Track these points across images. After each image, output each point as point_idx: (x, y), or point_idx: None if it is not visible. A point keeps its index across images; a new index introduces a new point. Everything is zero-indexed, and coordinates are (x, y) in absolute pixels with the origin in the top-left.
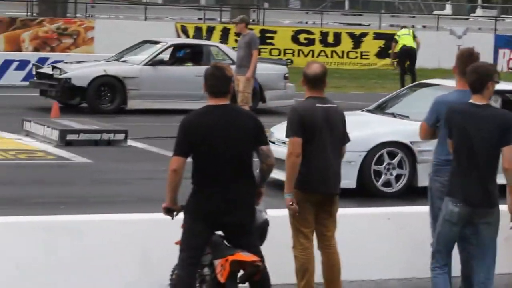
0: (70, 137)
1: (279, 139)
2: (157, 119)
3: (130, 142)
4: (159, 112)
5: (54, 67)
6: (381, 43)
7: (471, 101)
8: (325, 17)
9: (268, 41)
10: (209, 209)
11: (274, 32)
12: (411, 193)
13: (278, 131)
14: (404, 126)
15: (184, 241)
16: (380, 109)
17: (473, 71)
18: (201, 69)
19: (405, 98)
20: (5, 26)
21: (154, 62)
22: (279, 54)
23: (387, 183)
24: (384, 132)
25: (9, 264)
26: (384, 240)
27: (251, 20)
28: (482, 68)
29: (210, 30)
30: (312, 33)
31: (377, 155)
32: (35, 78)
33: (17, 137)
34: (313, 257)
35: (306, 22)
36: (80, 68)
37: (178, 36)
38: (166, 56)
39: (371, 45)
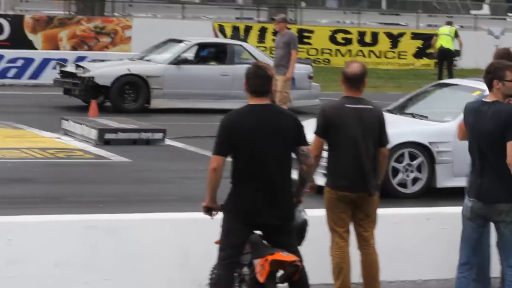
0: (108, 136)
1: None
2: (195, 118)
3: (168, 141)
4: (196, 112)
5: (77, 66)
6: (418, 43)
7: (483, 99)
8: (363, 16)
9: (306, 40)
10: (248, 209)
11: (312, 31)
12: (430, 194)
13: None
14: (422, 127)
15: (223, 240)
16: (399, 109)
17: (485, 69)
18: (226, 68)
19: (424, 98)
20: (43, 24)
21: (178, 61)
22: (317, 54)
23: (403, 184)
24: (402, 133)
25: (48, 262)
26: (424, 240)
27: (289, 20)
28: (490, 66)
29: (248, 29)
30: (349, 33)
31: (396, 155)
32: (59, 77)
33: (56, 136)
34: (348, 256)
35: (344, 22)
36: (104, 67)
37: (216, 36)
38: (190, 55)
39: (408, 45)
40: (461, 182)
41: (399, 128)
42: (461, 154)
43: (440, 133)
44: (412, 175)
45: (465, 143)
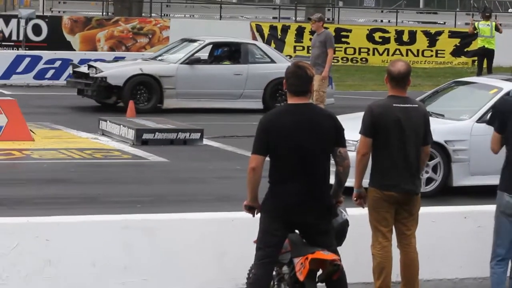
0: (146, 136)
1: None
2: (232, 118)
3: (206, 141)
4: (233, 112)
5: (90, 66)
6: (456, 41)
7: None
8: (400, 15)
9: (343, 39)
10: (285, 208)
11: (349, 30)
12: (446, 193)
13: None
14: (438, 125)
15: (260, 240)
16: None
17: None
18: (239, 68)
19: (441, 96)
20: (81, 25)
21: (191, 61)
22: (354, 53)
23: None
24: None
25: (86, 262)
26: (461, 239)
27: (325, 19)
28: None
29: (285, 29)
30: (387, 32)
31: None
32: (72, 77)
33: (93, 137)
34: (391, 256)
35: (381, 21)
36: (116, 67)
37: (253, 36)
38: (205, 54)
39: (446, 43)
40: (478, 180)
41: None
42: (478, 153)
43: (456, 131)
44: (426, 175)
45: (483, 142)
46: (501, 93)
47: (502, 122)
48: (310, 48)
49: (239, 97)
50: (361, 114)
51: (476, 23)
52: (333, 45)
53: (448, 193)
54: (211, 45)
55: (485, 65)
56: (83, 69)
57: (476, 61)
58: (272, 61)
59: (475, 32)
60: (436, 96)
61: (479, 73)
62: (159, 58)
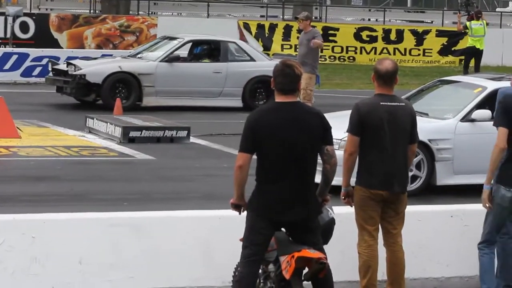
0: (133, 134)
1: None
2: (219, 116)
3: (192, 139)
4: (219, 110)
5: (68, 64)
6: (444, 40)
7: None
8: (388, 14)
9: (331, 38)
10: (272, 207)
11: (337, 29)
12: (430, 192)
13: None
14: (422, 124)
15: (246, 238)
16: None
17: None
18: (218, 66)
19: (426, 95)
20: (68, 23)
21: (170, 59)
22: (341, 52)
23: None
24: None
25: (72, 260)
26: (447, 237)
27: (313, 17)
28: None
29: (273, 27)
30: (374, 30)
31: None
32: (51, 75)
33: (80, 134)
34: (377, 254)
35: (369, 19)
36: (95, 64)
37: (241, 34)
38: (184, 52)
39: (434, 42)
40: (462, 179)
41: None
42: (462, 152)
43: (440, 130)
44: (410, 174)
45: (467, 141)
46: (485, 92)
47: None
48: (297, 46)
49: (218, 95)
50: (346, 112)
51: (467, 23)
52: (320, 38)
53: (434, 192)
54: (191, 43)
55: (471, 64)
56: (62, 66)
57: (463, 60)
58: (252, 59)
59: (465, 31)
60: (421, 94)
61: (466, 72)
62: (139, 55)
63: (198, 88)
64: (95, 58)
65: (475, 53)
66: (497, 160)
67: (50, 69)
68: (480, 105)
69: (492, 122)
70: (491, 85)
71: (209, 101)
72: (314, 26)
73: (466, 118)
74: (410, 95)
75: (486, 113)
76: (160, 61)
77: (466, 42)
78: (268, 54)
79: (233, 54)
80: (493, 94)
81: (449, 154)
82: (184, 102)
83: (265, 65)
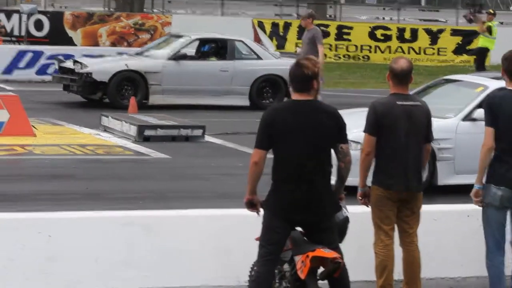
0: (148, 132)
1: None
2: (234, 114)
3: (207, 138)
4: (234, 108)
5: (75, 62)
6: (458, 39)
7: (508, 87)
8: (402, 13)
9: (345, 37)
10: (288, 205)
11: (351, 28)
12: (432, 192)
13: None
14: None
15: (263, 237)
16: None
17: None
18: (225, 64)
19: (427, 94)
20: (82, 21)
21: (177, 57)
22: (356, 50)
23: None
24: None
25: (88, 258)
26: (463, 237)
27: (327, 16)
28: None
29: (287, 26)
30: (389, 29)
31: None
32: (58, 73)
33: (95, 133)
34: (393, 254)
35: (383, 18)
36: (102, 62)
37: (255, 33)
38: (192, 50)
39: (448, 41)
40: (463, 179)
41: None
42: (463, 151)
43: (441, 129)
44: None
45: (468, 140)
46: (487, 91)
47: (494, 117)
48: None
49: (225, 94)
50: (350, 111)
51: (491, 23)
52: (321, 41)
53: (449, 191)
54: (198, 41)
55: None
56: (69, 64)
57: (476, 61)
58: (259, 58)
59: (486, 32)
60: (424, 93)
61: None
62: (146, 53)
63: (205, 86)
64: (102, 56)
65: (484, 52)
66: (485, 160)
67: (57, 67)
68: (481, 104)
69: None
70: (493, 84)
71: (216, 99)
72: (317, 25)
73: (468, 118)
74: (414, 93)
75: None
76: (167, 59)
77: (483, 43)
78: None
79: (240, 52)
80: None
81: (450, 154)
82: (191, 100)
83: (272, 64)
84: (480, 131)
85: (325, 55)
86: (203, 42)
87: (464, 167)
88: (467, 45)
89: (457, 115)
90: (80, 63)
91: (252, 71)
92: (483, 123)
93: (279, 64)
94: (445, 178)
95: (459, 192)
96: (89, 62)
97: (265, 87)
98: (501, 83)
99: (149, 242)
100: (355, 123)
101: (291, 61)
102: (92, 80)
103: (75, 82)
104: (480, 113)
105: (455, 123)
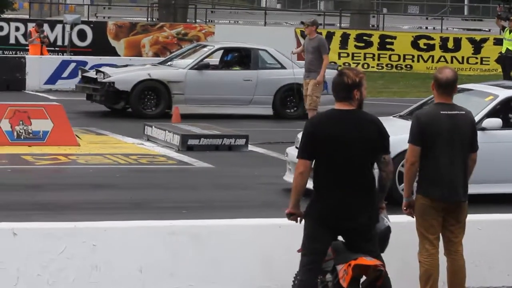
0: (191, 142)
1: None
2: (277, 124)
3: (251, 147)
4: (277, 118)
5: (98, 71)
6: (501, 48)
7: None
8: (445, 22)
9: (388, 46)
10: (329, 214)
11: (394, 37)
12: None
13: None
14: None
15: (305, 246)
16: (411, 115)
17: None
18: (249, 73)
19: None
20: (125, 31)
21: (200, 66)
22: (399, 60)
23: None
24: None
25: (133, 268)
26: (508, 246)
27: (370, 26)
28: None
29: (330, 35)
30: (432, 39)
31: (403, 162)
32: (81, 82)
33: (139, 142)
34: (437, 263)
35: (426, 28)
36: (124, 72)
37: (298, 42)
38: (215, 60)
39: (491, 51)
40: (473, 189)
41: (406, 134)
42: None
43: None
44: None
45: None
46: (497, 100)
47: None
48: (355, 54)
49: (248, 103)
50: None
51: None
52: (327, 50)
53: (493, 200)
54: (222, 50)
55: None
56: (92, 74)
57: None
58: (282, 67)
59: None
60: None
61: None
62: (168, 63)
63: (228, 96)
64: (126, 66)
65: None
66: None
67: (80, 76)
68: (491, 114)
69: (502, 131)
70: (503, 93)
71: (239, 109)
72: (319, 33)
73: (477, 127)
74: (421, 104)
75: (497, 121)
76: (190, 69)
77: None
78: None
79: (264, 61)
80: (505, 102)
81: None
82: (214, 110)
83: (296, 73)
84: (490, 141)
85: (368, 64)
86: (226, 51)
87: (475, 177)
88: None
89: None
90: (103, 72)
91: (276, 81)
92: (492, 132)
93: (302, 73)
94: None
95: (498, 201)
96: (111, 72)
97: (289, 96)
98: None
99: (193, 252)
100: None
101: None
102: (114, 90)
103: (97, 91)
104: (489, 122)
105: None
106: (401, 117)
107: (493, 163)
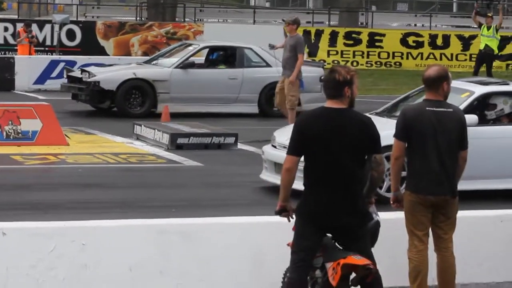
0: (180, 140)
1: (280, 143)
2: (263, 122)
3: (240, 146)
4: (263, 116)
5: (83, 71)
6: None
7: None
8: (434, 19)
9: (377, 44)
10: (320, 212)
11: (383, 35)
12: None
13: (280, 135)
14: None
15: (295, 243)
16: (388, 112)
17: None
18: (234, 72)
19: (414, 100)
20: (114, 30)
21: (185, 65)
22: (388, 57)
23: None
24: (388, 135)
25: (122, 267)
26: (497, 242)
27: (359, 23)
28: None
29: (319, 33)
30: (421, 36)
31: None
32: (66, 82)
33: (128, 141)
34: (427, 259)
35: (415, 25)
36: (109, 71)
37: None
38: (200, 58)
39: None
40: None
41: (385, 131)
42: None
43: None
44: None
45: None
46: (473, 96)
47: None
48: (344, 52)
49: (234, 102)
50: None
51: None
52: (303, 50)
53: (480, 197)
54: (207, 49)
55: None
56: (77, 73)
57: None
58: (268, 65)
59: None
60: (409, 100)
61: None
62: (154, 62)
63: (214, 94)
64: (111, 65)
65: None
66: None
67: (65, 76)
68: (467, 110)
69: (478, 127)
70: (479, 90)
71: (225, 107)
72: (353, 32)
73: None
74: (397, 101)
75: (473, 118)
76: (175, 68)
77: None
78: (313, 61)
79: (249, 60)
80: (481, 98)
81: None
82: (200, 108)
83: (281, 71)
84: None
85: (357, 62)
86: (212, 50)
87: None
88: (499, 51)
89: None
90: (88, 72)
91: (261, 79)
92: (468, 129)
93: None
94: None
95: (486, 198)
96: (96, 71)
97: (274, 95)
98: (488, 88)
99: (183, 250)
100: None
101: (302, 68)
102: (100, 89)
103: (83, 91)
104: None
105: None
106: (377, 114)
107: (469, 160)
